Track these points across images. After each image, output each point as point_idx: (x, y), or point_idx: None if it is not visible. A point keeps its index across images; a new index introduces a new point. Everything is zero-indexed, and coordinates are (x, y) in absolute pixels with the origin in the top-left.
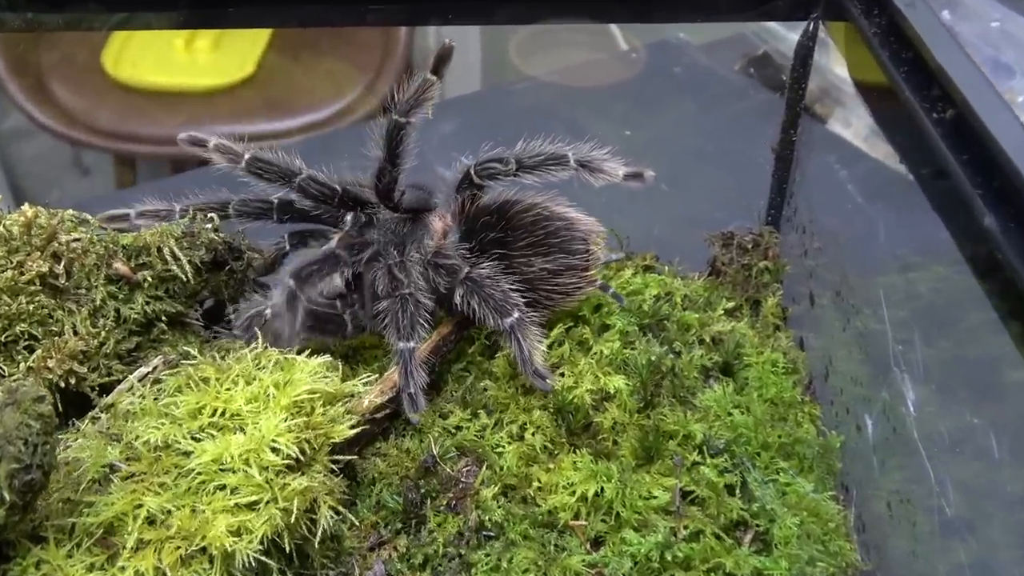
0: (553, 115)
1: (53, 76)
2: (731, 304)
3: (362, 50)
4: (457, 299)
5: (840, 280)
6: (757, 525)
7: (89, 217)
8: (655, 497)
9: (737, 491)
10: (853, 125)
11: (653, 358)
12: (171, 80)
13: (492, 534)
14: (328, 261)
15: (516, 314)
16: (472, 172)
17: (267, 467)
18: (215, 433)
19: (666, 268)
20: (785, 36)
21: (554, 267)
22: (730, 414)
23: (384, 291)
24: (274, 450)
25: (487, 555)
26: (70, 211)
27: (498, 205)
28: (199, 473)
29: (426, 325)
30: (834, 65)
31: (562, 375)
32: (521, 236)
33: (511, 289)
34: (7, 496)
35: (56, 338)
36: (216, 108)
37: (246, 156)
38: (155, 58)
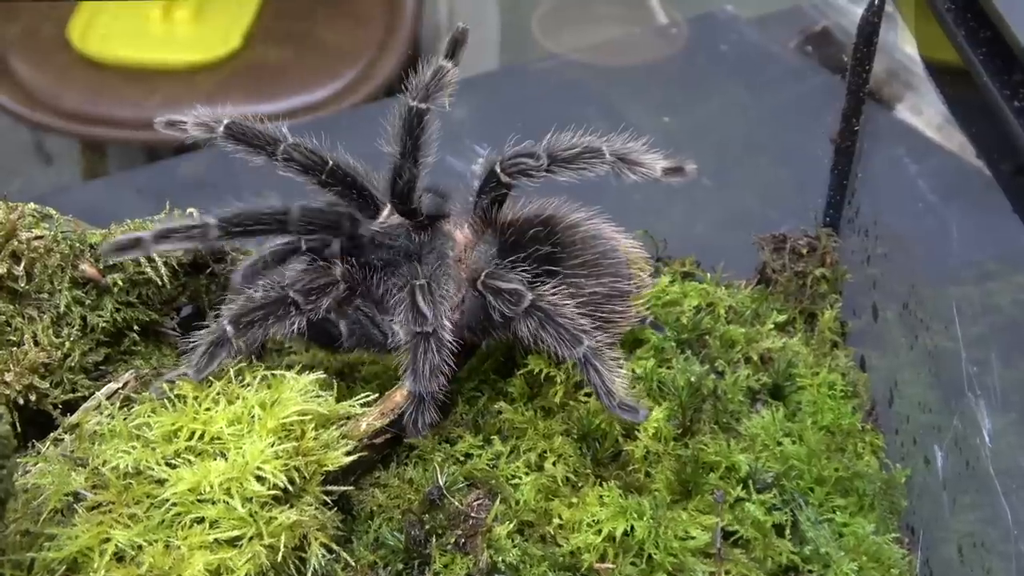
0: (580, 98)
1: (12, 50)
2: (782, 317)
3: (363, 23)
4: (524, 331)
5: (908, 291)
6: (809, 571)
7: (53, 212)
8: (693, 538)
9: (787, 532)
10: (924, 112)
11: (692, 379)
12: (146, 55)
13: None
14: (275, 308)
15: (588, 341)
16: (499, 169)
17: (251, 498)
18: (192, 459)
19: (708, 275)
20: (848, 9)
21: (606, 291)
22: (780, 443)
23: (403, 319)
24: (259, 479)
25: None
26: (32, 205)
27: (545, 217)
28: (174, 504)
29: (450, 367)
30: (903, 43)
31: (587, 396)
32: (574, 254)
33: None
34: None
35: (14, 349)
36: (197, 87)
37: (224, 122)
38: (128, 30)
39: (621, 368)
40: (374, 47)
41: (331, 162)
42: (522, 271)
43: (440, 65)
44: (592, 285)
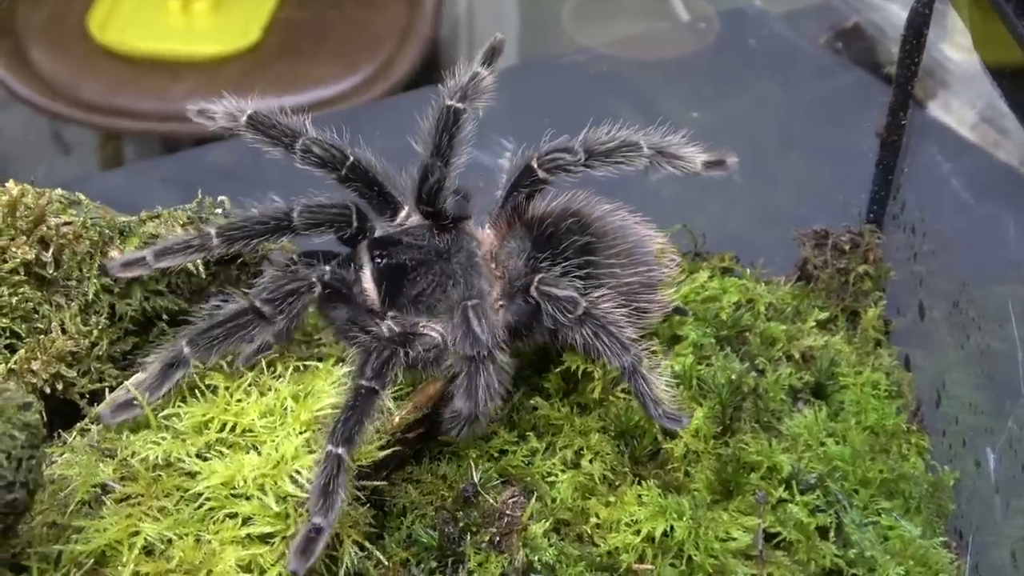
0: (607, 92)
1: (32, 41)
2: (824, 315)
3: (382, 17)
4: (577, 339)
5: (958, 289)
6: (854, 574)
7: (82, 197)
8: (734, 539)
9: (831, 534)
10: (956, 111)
11: (733, 376)
12: (165, 47)
13: None
14: (237, 321)
15: (634, 349)
16: (536, 164)
17: (285, 497)
18: (224, 451)
19: (747, 271)
20: (879, 4)
21: (641, 280)
22: (823, 444)
23: (454, 339)
24: (294, 481)
25: None
26: (59, 191)
27: (575, 209)
28: (207, 498)
29: (506, 388)
30: (938, 40)
31: (624, 393)
32: (610, 244)
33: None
34: None
35: (42, 336)
36: (216, 79)
37: (247, 112)
38: (147, 22)
39: (664, 376)
40: (394, 41)
41: (351, 158)
42: (561, 264)
43: (476, 71)
44: (628, 275)
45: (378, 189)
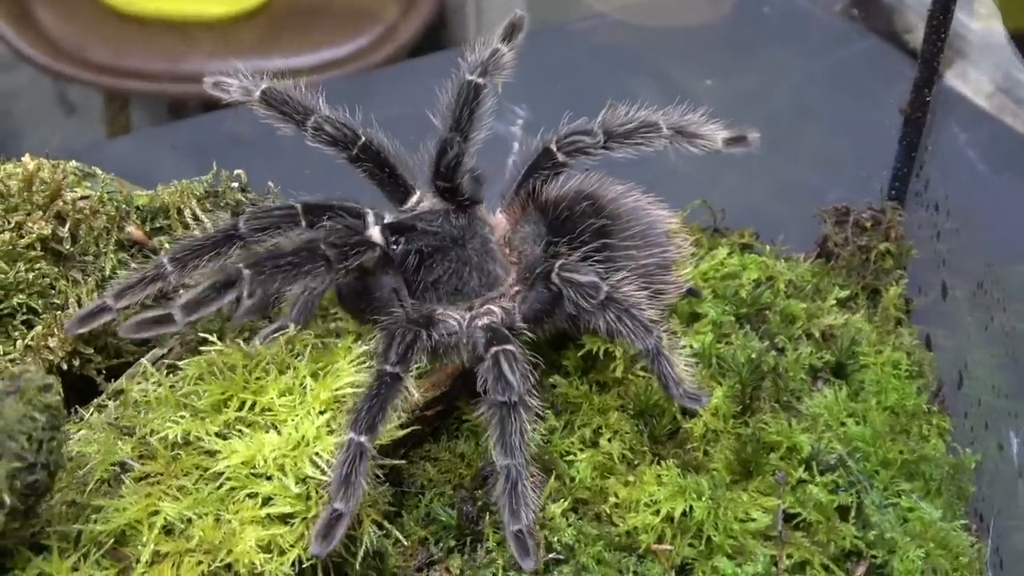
0: (621, 59)
1: (39, 1)
2: (845, 293)
3: None
4: (600, 324)
5: (983, 269)
6: (873, 556)
7: (98, 171)
8: (753, 519)
9: (851, 515)
10: (972, 80)
11: (753, 355)
12: (173, 7)
13: (561, 557)
14: (306, 260)
15: (656, 331)
16: (555, 148)
17: (305, 478)
18: (244, 430)
19: (767, 247)
20: None
21: (657, 262)
22: (843, 424)
23: (471, 340)
24: (314, 464)
25: None
26: (73, 163)
27: (589, 192)
28: (227, 478)
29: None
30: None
31: (644, 371)
32: (625, 226)
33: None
34: (7, 499)
35: (59, 312)
36: (224, 40)
37: (262, 87)
38: None
39: (683, 356)
40: (400, 4)
41: (363, 138)
42: (579, 248)
43: (497, 47)
44: (644, 257)
45: (389, 171)
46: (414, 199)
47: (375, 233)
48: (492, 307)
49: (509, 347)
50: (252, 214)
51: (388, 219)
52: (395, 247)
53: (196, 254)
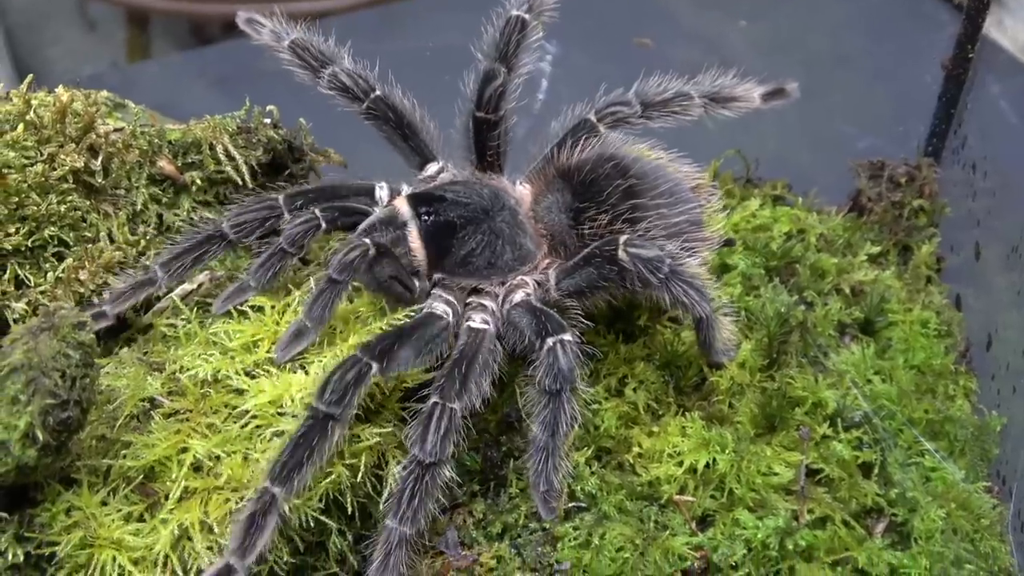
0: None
1: None
2: (876, 249)
3: None
4: (666, 297)
5: (1018, 231)
6: (894, 515)
7: (129, 103)
8: (776, 474)
9: (874, 473)
10: (1009, 29)
11: (782, 309)
12: None
13: (583, 504)
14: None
15: (710, 297)
16: (595, 119)
17: None
18: (272, 370)
19: (799, 199)
20: None
21: (688, 219)
22: (869, 381)
23: (515, 329)
24: None
25: (576, 529)
26: (104, 93)
27: (609, 154)
28: (254, 416)
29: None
30: None
31: (671, 322)
32: (653, 184)
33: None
34: (40, 435)
35: (89, 245)
36: None
37: (292, 36)
38: None
39: (728, 312)
40: None
41: (378, 91)
42: (607, 211)
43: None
44: (675, 215)
45: (406, 132)
46: (434, 168)
47: (401, 205)
48: (527, 279)
49: (566, 337)
50: (234, 213)
51: (410, 190)
52: (426, 218)
53: (181, 257)
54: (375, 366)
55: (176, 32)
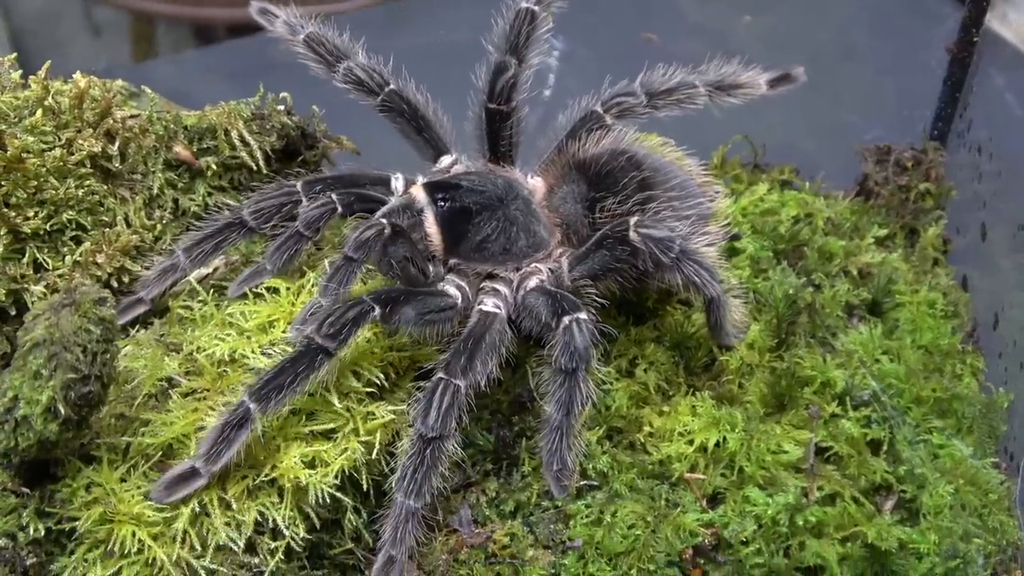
0: None
1: None
2: (883, 231)
3: None
4: (678, 279)
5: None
6: (903, 491)
7: (146, 89)
8: (785, 452)
9: (882, 450)
10: (1013, 22)
11: (790, 291)
12: None
13: (595, 483)
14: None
15: (721, 278)
16: (601, 110)
17: (348, 393)
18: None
19: (806, 184)
20: None
21: (697, 213)
22: (877, 361)
23: (530, 312)
24: (356, 375)
25: (588, 507)
26: (120, 81)
27: (622, 147)
28: None
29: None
30: None
31: (680, 304)
32: (666, 177)
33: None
34: (62, 409)
35: (107, 229)
36: None
37: (307, 30)
38: None
39: (738, 294)
40: None
41: (392, 85)
42: (622, 201)
43: None
44: (686, 208)
45: (420, 125)
46: (447, 160)
47: (417, 192)
48: (540, 266)
49: (582, 316)
50: (253, 200)
51: (425, 179)
52: (442, 204)
53: (203, 243)
54: (378, 310)
55: (180, 35)
